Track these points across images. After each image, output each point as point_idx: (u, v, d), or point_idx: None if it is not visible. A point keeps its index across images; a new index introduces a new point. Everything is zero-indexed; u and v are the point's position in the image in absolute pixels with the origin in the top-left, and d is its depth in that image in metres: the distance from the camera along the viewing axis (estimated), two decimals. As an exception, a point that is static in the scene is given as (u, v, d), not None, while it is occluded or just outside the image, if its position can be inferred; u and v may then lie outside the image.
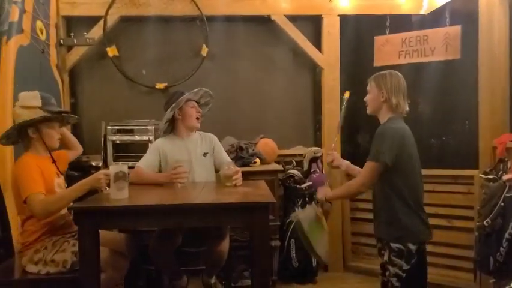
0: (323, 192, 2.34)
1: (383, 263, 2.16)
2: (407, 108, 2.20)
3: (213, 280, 2.74)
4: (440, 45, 3.34)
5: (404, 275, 2.02)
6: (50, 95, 2.37)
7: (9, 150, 2.46)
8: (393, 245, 2.05)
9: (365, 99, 2.29)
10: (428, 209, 3.23)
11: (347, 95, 2.43)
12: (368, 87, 2.27)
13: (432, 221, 3.25)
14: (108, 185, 2.07)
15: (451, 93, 3.35)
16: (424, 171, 3.29)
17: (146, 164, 2.65)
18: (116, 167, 2.06)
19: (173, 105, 2.66)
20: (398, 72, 2.21)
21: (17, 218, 2.43)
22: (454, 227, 3.23)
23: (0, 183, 2.36)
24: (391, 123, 2.12)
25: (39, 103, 2.22)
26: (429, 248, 3.30)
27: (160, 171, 2.69)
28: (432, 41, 3.38)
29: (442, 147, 3.38)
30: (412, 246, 2.04)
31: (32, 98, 2.23)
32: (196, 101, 2.78)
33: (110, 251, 2.20)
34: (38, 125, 2.22)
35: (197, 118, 2.75)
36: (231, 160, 2.85)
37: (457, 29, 3.28)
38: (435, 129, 3.41)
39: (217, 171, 2.79)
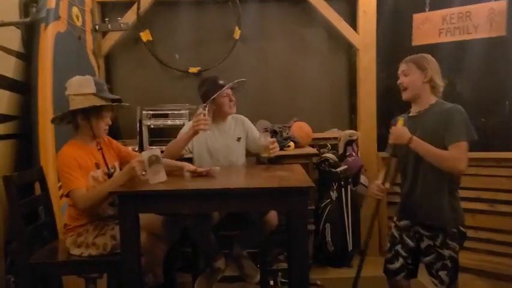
0: (402, 131, 2.04)
1: (428, 247, 2.09)
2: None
3: (244, 253, 2.68)
4: (484, 21, 3.18)
5: (456, 256, 2.02)
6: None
7: (50, 136, 2.51)
8: (450, 229, 2.03)
9: (400, 82, 2.14)
10: (471, 193, 3.22)
11: None
12: (405, 69, 2.12)
13: (474, 206, 3.22)
14: (144, 172, 2.09)
15: (494, 73, 3.20)
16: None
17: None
18: (148, 152, 2.07)
19: (208, 101, 2.65)
20: None
21: (59, 202, 2.50)
22: (497, 212, 3.14)
23: (43, 168, 2.43)
24: (450, 103, 2.07)
25: (93, 89, 2.18)
26: (471, 233, 3.22)
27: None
28: (476, 17, 3.22)
29: (483, 128, 3.24)
30: (462, 228, 2.05)
31: (85, 84, 2.19)
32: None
33: (148, 235, 2.22)
34: (88, 113, 2.20)
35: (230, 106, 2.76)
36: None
37: (502, 3, 3.11)
38: (477, 110, 3.27)
39: (251, 153, 2.82)
